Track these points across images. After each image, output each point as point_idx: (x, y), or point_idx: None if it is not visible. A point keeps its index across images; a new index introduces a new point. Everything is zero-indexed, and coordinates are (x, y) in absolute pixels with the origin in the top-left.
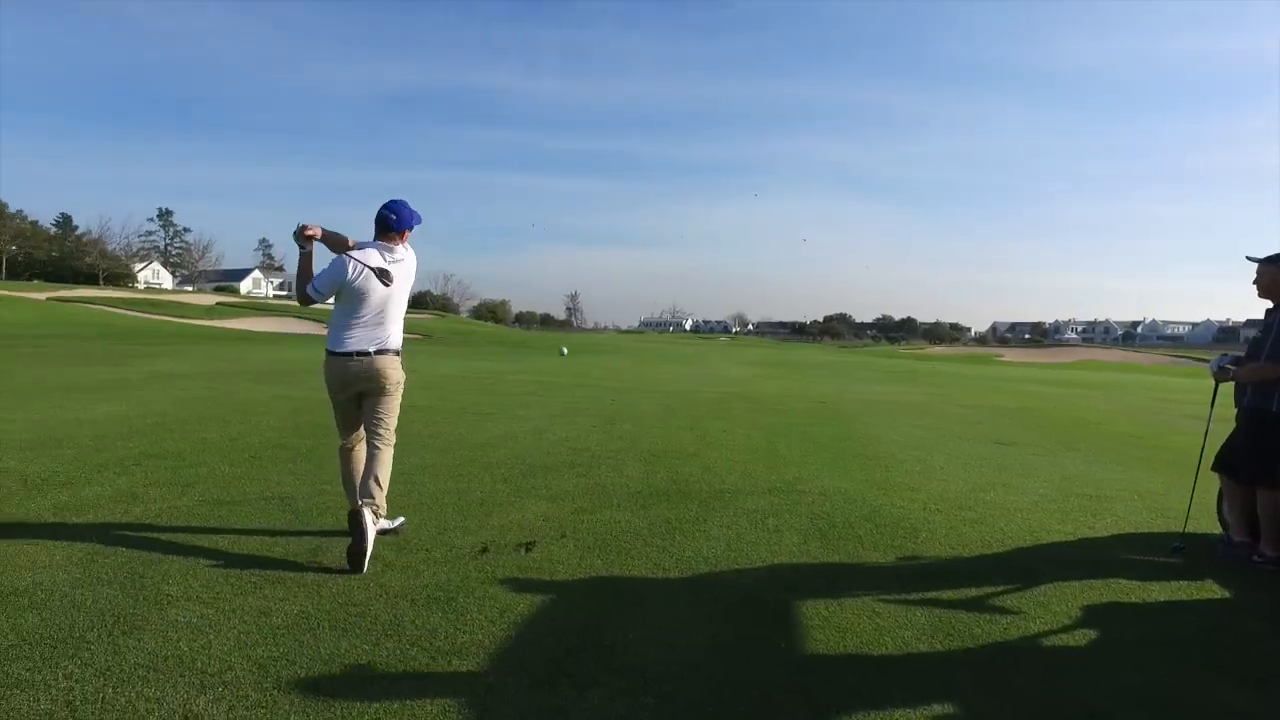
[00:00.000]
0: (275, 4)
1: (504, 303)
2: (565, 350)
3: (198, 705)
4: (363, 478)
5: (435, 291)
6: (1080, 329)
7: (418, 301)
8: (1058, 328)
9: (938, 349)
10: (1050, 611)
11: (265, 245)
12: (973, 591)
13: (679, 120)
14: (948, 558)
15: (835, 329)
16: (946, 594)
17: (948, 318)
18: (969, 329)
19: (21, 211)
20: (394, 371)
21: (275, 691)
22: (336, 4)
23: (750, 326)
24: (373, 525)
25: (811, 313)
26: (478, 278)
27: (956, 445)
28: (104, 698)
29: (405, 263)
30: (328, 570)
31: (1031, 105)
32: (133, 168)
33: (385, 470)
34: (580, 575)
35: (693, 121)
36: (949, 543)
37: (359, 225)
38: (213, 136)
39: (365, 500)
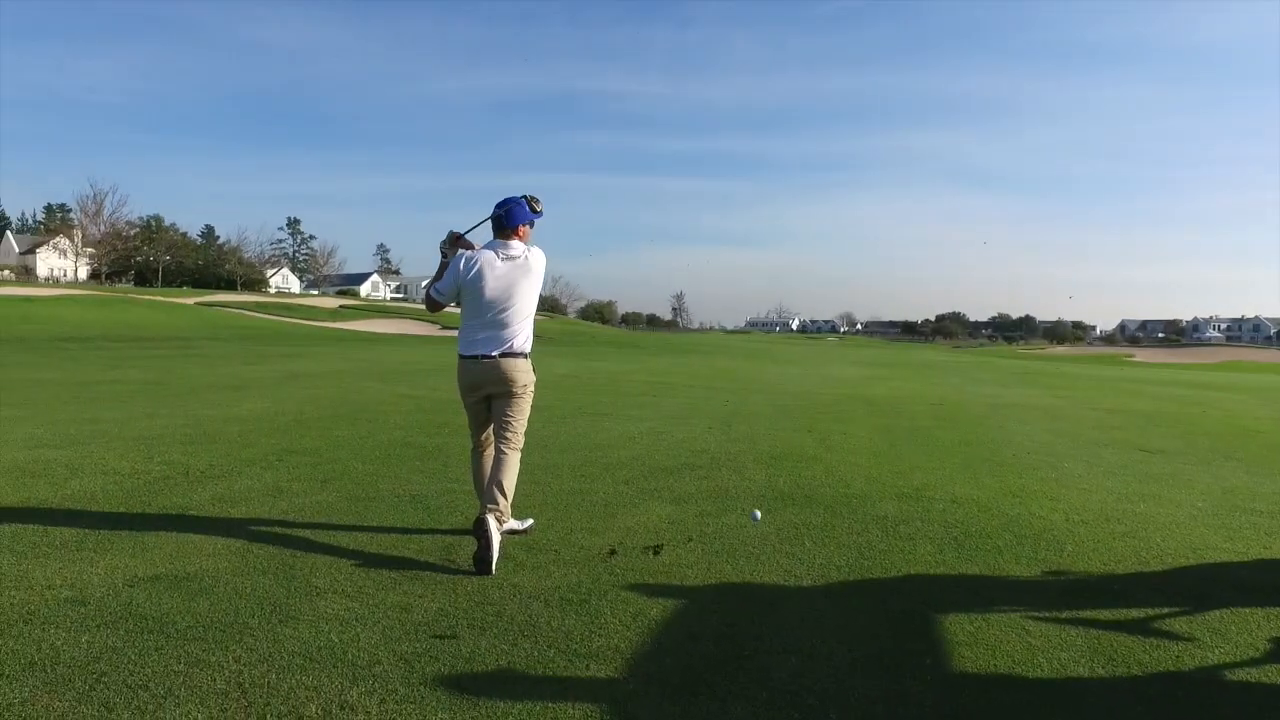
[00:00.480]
0: (390, 21)
1: (610, 303)
2: (758, 514)
3: (351, 696)
4: (488, 482)
5: (544, 293)
6: (1224, 326)
7: None
8: (1197, 325)
9: (1060, 349)
10: (1230, 641)
11: (383, 250)
12: (1133, 613)
13: (784, 118)
14: (1100, 574)
15: (948, 328)
16: (1103, 614)
17: (1070, 315)
18: (1094, 327)
19: (174, 224)
20: (520, 374)
21: (422, 687)
22: (448, 19)
23: (859, 326)
24: (497, 531)
25: (922, 311)
26: (584, 278)
27: (1094, 451)
28: (269, 683)
29: (523, 261)
30: (461, 570)
31: (1160, 84)
32: (265, 180)
33: (510, 475)
34: (710, 581)
35: (798, 119)
36: (1099, 558)
37: (474, 231)
38: (335, 148)
39: (489, 506)
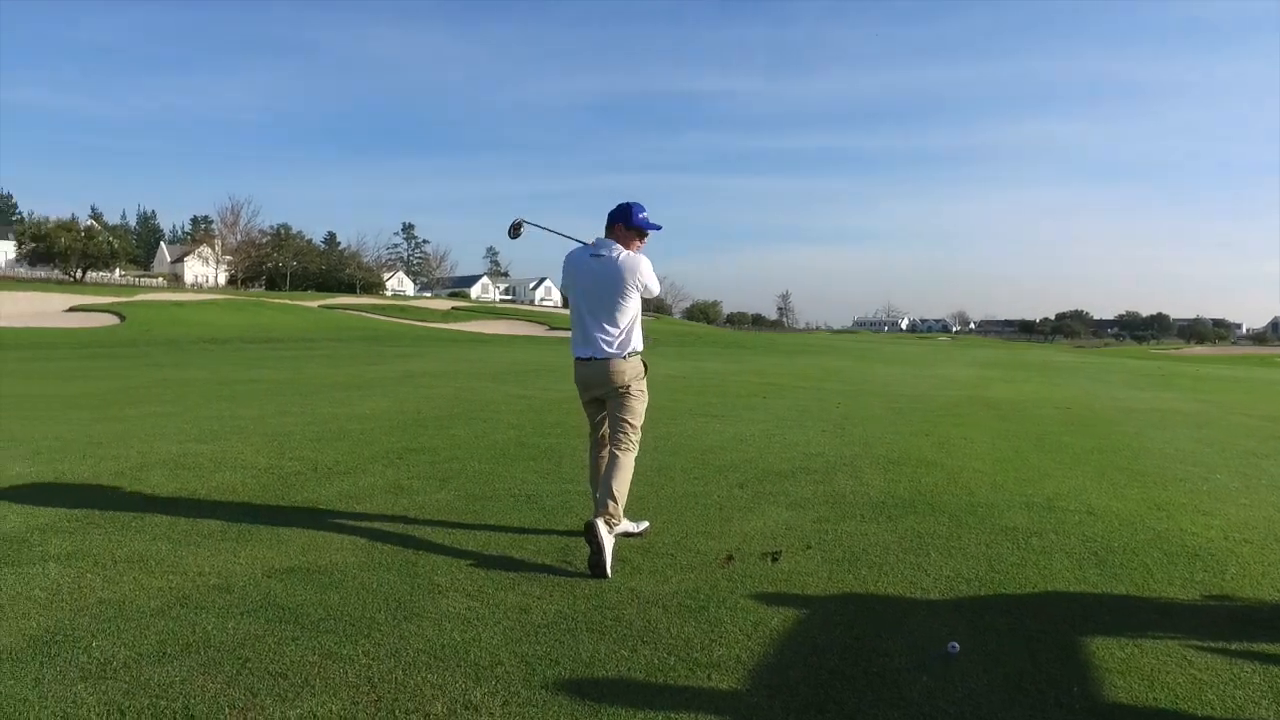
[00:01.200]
0: (492, 29)
1: (716, 304)
2: (955, 648)
3: (475, 696)
4: (600, 485)
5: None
6: None
7: None
8: None
9: (1200, 349)
10: None
11: (492, 253)
12: None
13: (890, 113)
14: (1274, 602)
15: (1070, 327)
16: None
17: (1210, 312)
18: (1238, 325)
19: (300, 231)
20: (620, 376)
21: (543, 690)
22: (548, 23)
23: (972, 325)
24: (608, 535)
25: (1041, 310)
26: (690, 279)
27: (1252, 463)
28: (396, 679)
29: (611, 259)
30: (578, 572)
31: None
32: (382, 187)
33: (621, 478)
34: (832, 591)
35: (905, 113)
36: (1271, 582)
37: (580, 233)
38: (445, 155)
39: (600, 511)
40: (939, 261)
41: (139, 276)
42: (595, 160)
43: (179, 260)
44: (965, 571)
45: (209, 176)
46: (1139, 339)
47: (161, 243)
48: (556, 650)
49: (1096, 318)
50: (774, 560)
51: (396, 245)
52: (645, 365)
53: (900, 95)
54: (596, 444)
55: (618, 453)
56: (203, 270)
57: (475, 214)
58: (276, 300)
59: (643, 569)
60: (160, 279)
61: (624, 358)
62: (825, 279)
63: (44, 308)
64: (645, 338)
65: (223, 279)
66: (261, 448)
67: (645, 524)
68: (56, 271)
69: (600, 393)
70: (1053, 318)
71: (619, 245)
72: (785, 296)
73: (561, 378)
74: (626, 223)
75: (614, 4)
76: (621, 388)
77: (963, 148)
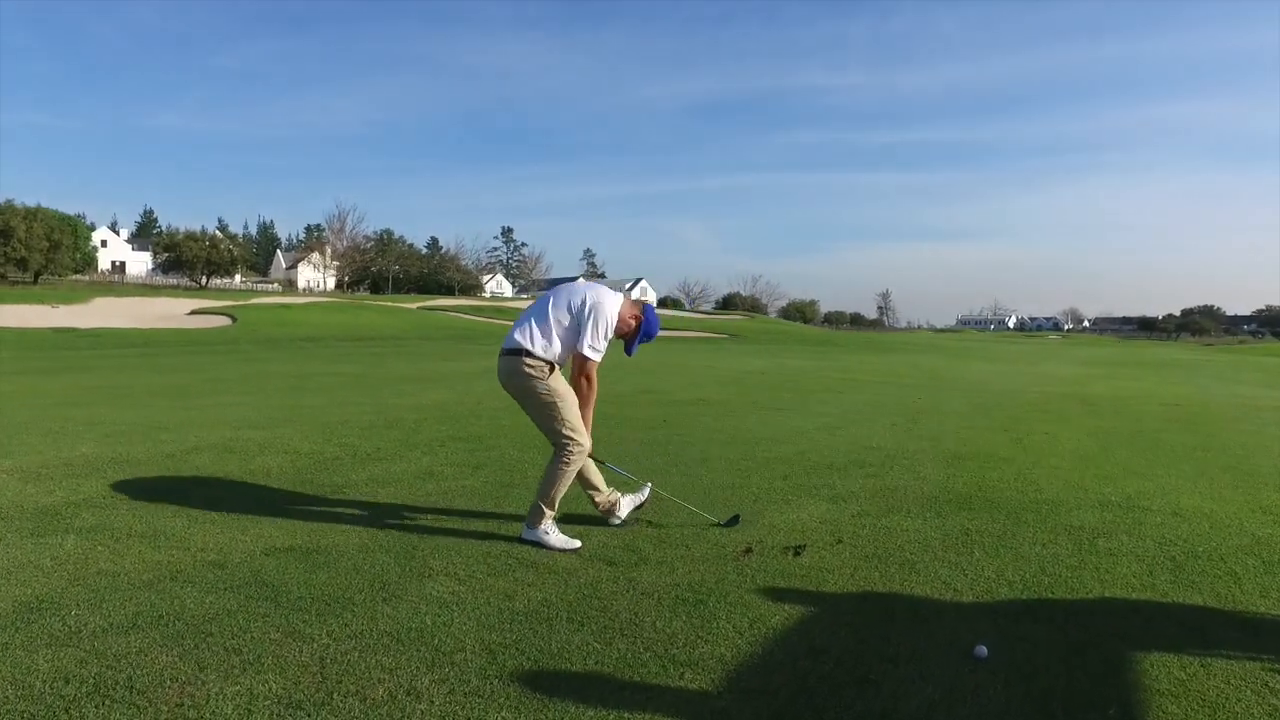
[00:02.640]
0: (590, 34)
1: (813, 303)
2: (984, 650)
3: (422, 682)
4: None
5: (744, 293)
6: None
7: (728, 303)
8: None
9: None
10: None
11: (589, 255)
12: None
13: (1001, 102)
14: None
15: (1198, 324)
16: None
17: None
18: None
19: (402, 237)
20: (514, 376)
21: (496, 680)
22: (645, 27)
23: (1086, 323)
24: (541, 535)
25: (1165, 306)
26: (787, 278)
27: None
28: (349, 660)
29: (589, 287)
30: (582, 558)
31: None
32: (482, 193)
33: (549, 481)
34: (851, 588)
35: (1017, 101)
36: None
37: (676, 234)
38: (544, 160)
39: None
40: (1050, 257)
41: (257, 282)
42: (693, 162)
43: (293, 266)
44: (1010, 573)
45: (322, 188)
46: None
47: (278, 250)
48: (527, 639)
49: (1230, 314)
50: (796, 554)
51: (496, 249)
52: (550, 367)
53: (1008, 83)
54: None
55: (553, 455)
56: (313, 275)
57: (573, 217)
58: (378, 303)
59: (651, 560)
60: (275, 284)
61: (528, 355)
62: (928, 277)
63: (172, 311)
64: (731, 335)
65: (330, 283)
66: (311, 434)
67: (576, 543)
68: (185, 279)
69: (506, 388)
70: (1178, 314)
71: (615, 303)
72: (885, 295)
73: (636, 372)
74: (640, 312)
75: (714, 7)
76: (514, 387)
77: (1076, 135)
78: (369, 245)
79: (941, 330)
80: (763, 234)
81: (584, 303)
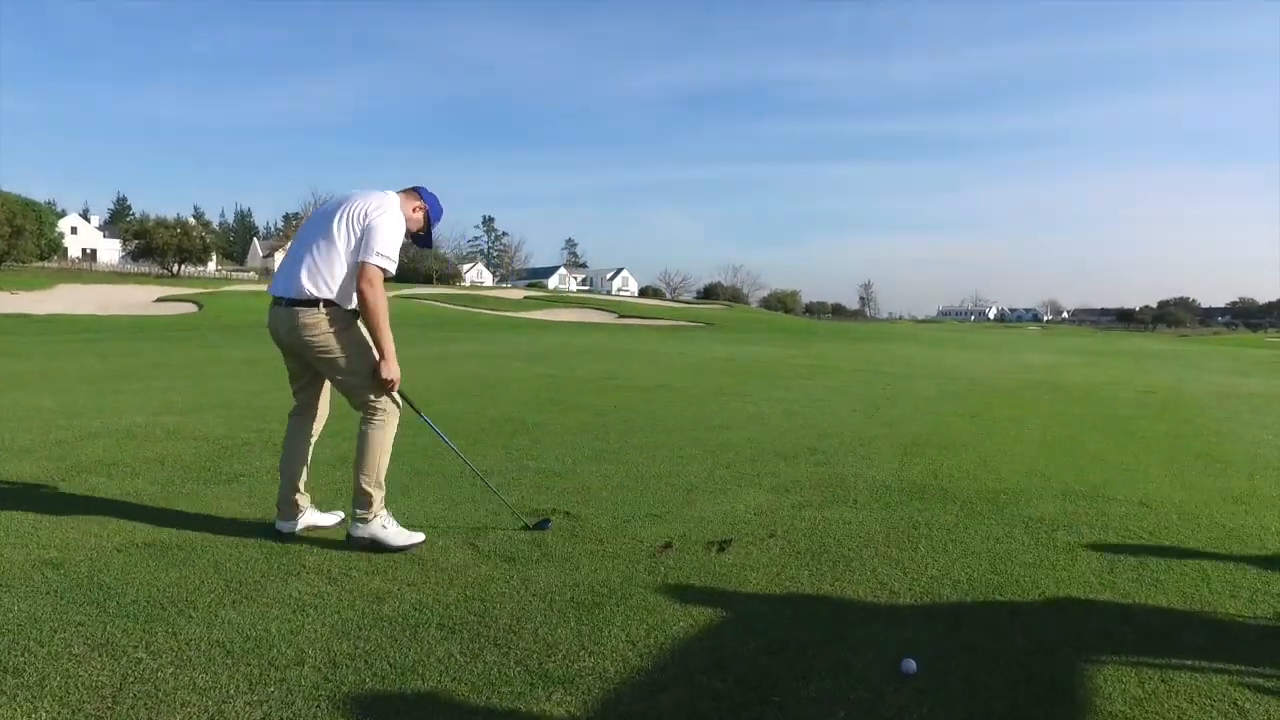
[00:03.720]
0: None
1: (794, 293)
2: (912, 665)
3: (234, 705)
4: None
5: (725, 283)
6: None
7: (709, 293)
8: None
9: None
10: None
11: (570, 244)
12: None
13: (984, 94)
14: None
15: (1174, 315)
16: None
17: None
18: None
19: None
20: (307, 330)
21: (325, 700)
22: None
23: (1065, 314)
24: (366, 532)
25: (1142, 298)
26: (768, 269)
27: None
28: (157, 680)
29: (354, 197)
30: (479, 553)
31: None
32: (464, 182)
33: (365, 453)
34: (774, 590)
35: (999, 93)
36: None
37: (658, 224)
38: (527, 149)
39: (355, 504)
40: (1030, 249)
41: (232, 270)
42: (675, 153)
43: (270, 255)
44: (957, 571)
45: (301, 176)
46: (1253, 327)
47: (255, 238)
48: (382, 650)
49: (1205, 305)
50: (720, 550)
51: (477, 238)
52: (343, 313)
53: (989, 76)
54: (297, 418)
55: (361, 424)
56: None
57: (554, 207)
58: None
59: (555, 555)
60: (252, 272)
61: (318, 305)
62: (910, 268)
63: (138, 298)
64: (706, 324)
65: None
66: (232, 419)
67: (419, 536)
68: (157, 266)
69: (290, 347)
70: (1154, 306)
71: (397, 198)
72: (867, 286)
73: (603, 359)
74: (421, 200)
75: None
76: (313, 345)
77: (1056, 128)
78: None
79: (922, 321)
80: (745, 224)
81: (365, 214)
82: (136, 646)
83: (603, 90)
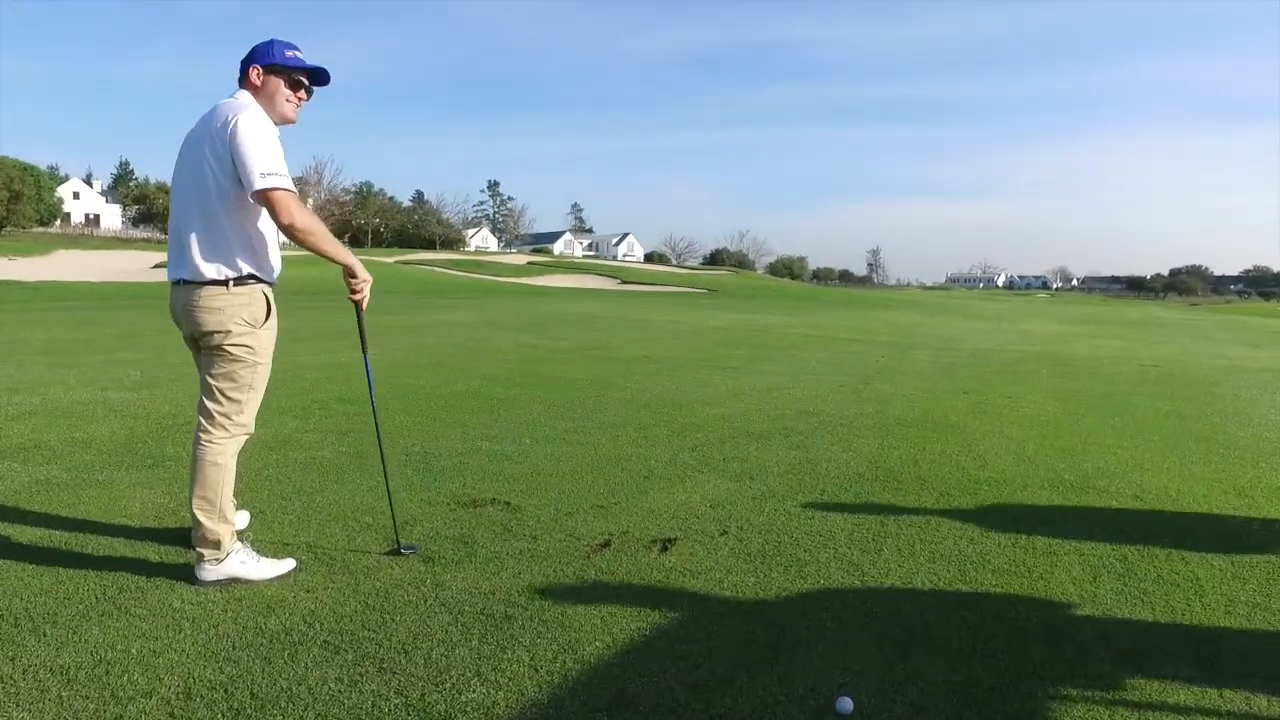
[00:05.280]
0: None
1: (801, 259)
2: (848, 703)
3: None
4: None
5: (731, 249)
6: None
7: (715, 259)
8: None
9: None
10: None
11: (576, 209)
12: None
13: (994, 56)
14: None
15: (1185, 283)
16: None
17: None
18: None
19: (383, 190)
20: (210, 314)
21: None
22: None
23: (1075, 282)
24: (214, 571)
25: (1153, 266)
26: (776, 234)
27: None
28: None
29: (217, 128)
30: (392, 553)
31: None
32: (469, 146)
33: (205, 483)
34: (711, 603)
35: (1013, 57)
36: None
37: (664, 189)
38: (530, 113)
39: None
40: (1040, 215)
41: None
42: (682, 117)
43: None
44: (921, 578)
45: (304, 140)
46: (1266, 295)
47: None
48: (248, 675)
49: (1218, 274)
50: (663, 550)
51: (483, 203)
52: (269, 304)
53: (1002, 39)
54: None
55: (201, 438)
56: None
57: (560, 171)
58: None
59: (480, 554)
60: None
61: (217, 284)
62: (919, 234)
63: (135, 264)
64: (710, 290)
65: None
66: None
67: (286, 565)
68: (159, 232)
69: (189, 334)
70: (1165, 274)
71: (239, 103)
72: (875, 252)
73: (594, 327)
74: (266, 64)
75: None
76: (213, 332)
77: (1070, 92)
78: (348, 198)
79: (930, 287)
80: (752, 190)
81: (227, 139)
82: None
83: (609, 53)
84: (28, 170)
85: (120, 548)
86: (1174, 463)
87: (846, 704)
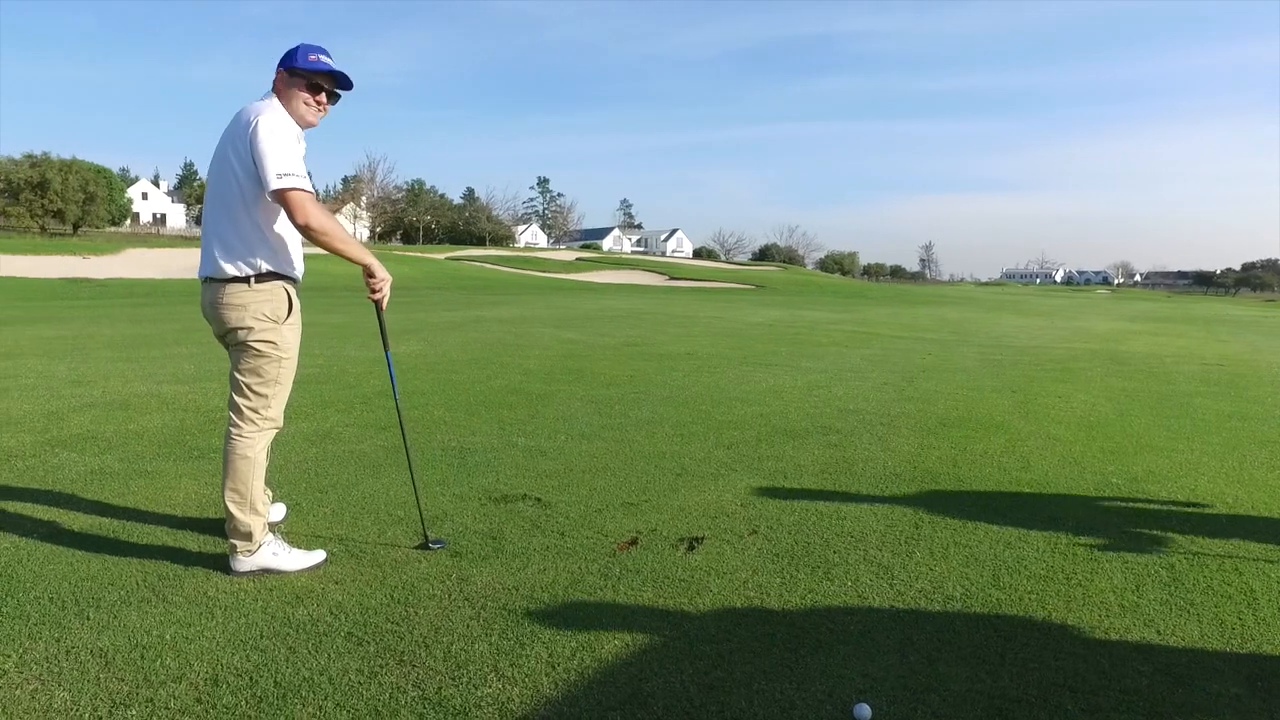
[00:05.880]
0: None
1: (852, 255)
2: (866, 710)
3: None
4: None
5: (780, 244)
6: None
7: (764, 254)
8: None
9: None
10: None
11: (625, 205)
12: None
13: (1052, 44)
14: None
15: (1260, 279)
16: None
17: None
18: None
19: (434, 187)
20: (230, 311)
21: None
22: None
23: (1137, 277)
24: (247, 563)
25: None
26: (827, 230)
27: None
28: (15, 696)
29: (243, 129)
30: (424, 547)
31: None
32: (518, 144)
33: (237, 478)
34: (737, 600)
35: (1069, 44)
36: None
37: (713, 184)
38: (580, 109)
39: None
40: (1101, 208)
41: None
42: (733, 112)
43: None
44: (952, 584)
45: (358, 139)
46: None
47: None
48: (273, 664)
49: None
50: (690, 549)
51: (532, 199)
52: (291, 300)
53: (1060, 26)
54: None
55: (231, 432)
56: (348, 226)
57: (610, 167)
58: (406, 253)
59: (507, 549)
60: None
61: (239, 281)
62: (973, 229)
63: (197, 262)
64: (758, 286)
65: (365, 234)
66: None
67: (319, 555)
68: None
69: (219, 334)
70: (1238, 268)
71: (263, 104)
72: (928, 247)
73: (637, 323)
74: (288, 68)
75: None
76: (236, 329)
77: (1131, 80)
78: (400, 196)
79: (985, 283)
80: (802, 185)
81: (248, 139)
82: (9, 655)
83: (658, 48)
84: (101, 173)
85: (163, 536)
86: (1233, 467)
87: (864, 711)
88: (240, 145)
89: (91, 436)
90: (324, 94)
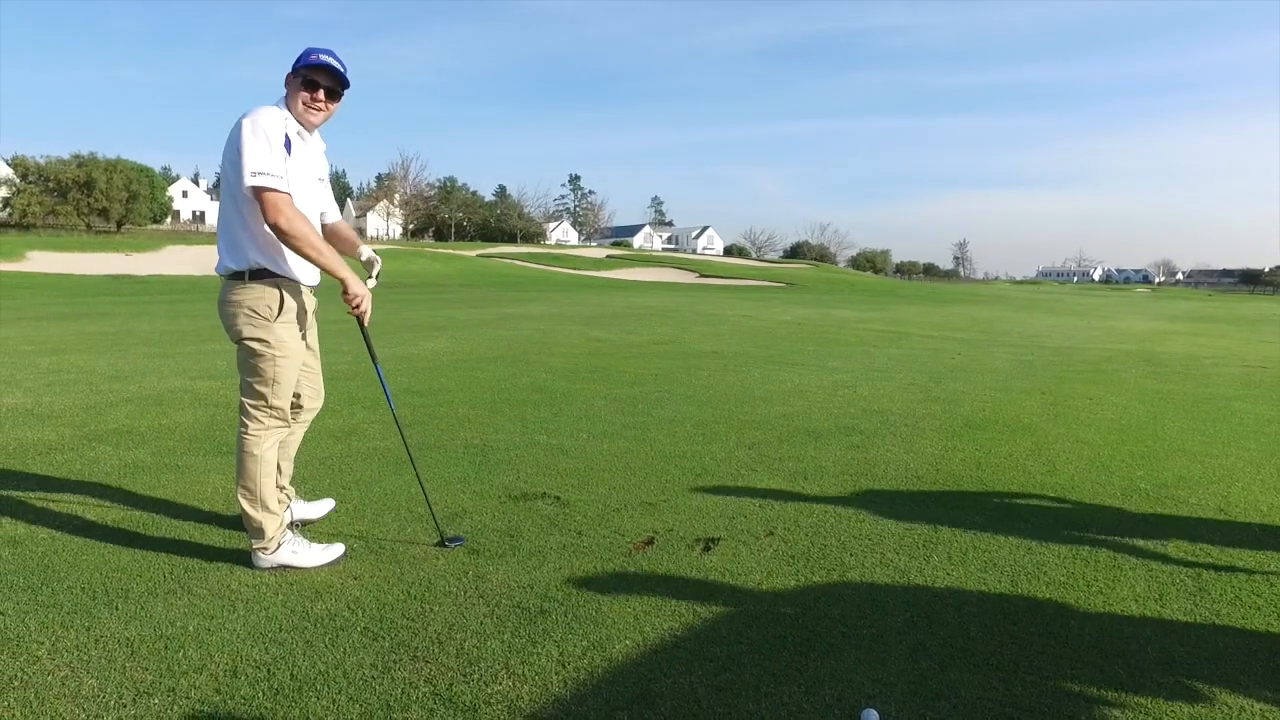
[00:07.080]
0: None
1: (884, 252)
2: (874, 716)
3: None
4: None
5: (812, 241)
6: None
7: (795, 252)
8: None
9: None
10: None
11: (656, 202)
12: None
13: (1099, 35)
14: None
15: None
16: None
17: None
18: None
19: (465, 185)
20: (228, 308)
21: (203, 718)
22: None
23: (1179, 275)
24: (268, 558)
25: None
26: (859, 227)
27: None
28: (47, 681)
29: (231, 130)
30: (440, 544)
31: None
32: (551, 141)
33: (247, 473)
34: (749, 601)
35: (1117, 34)
36: None
37: (745, 181)
38: (612, 106)
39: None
40: (1141, 205)
41: None
42: (765, 108)
43: (362, 215)
44: (969, 588)
45: (393, 137)
46: None
47: (349, 199)
48: (290, 657)
49: None
50: (706, 549)
51: (563, 196)
52: (283, 298)
53: (1096, 18)
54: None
55: (239, 434)
56: (381, 224)
57: (641, 164)
58: (437, 250)
59: (524, 547)
60: None
61: (236, 277)
62: (1009, 226)
63: None
64: (789, 284)
65: (396, 231)
66: None
67: (338, 549)
68: None
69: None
70: None
71: (264, 105)
72: (962, 245)
73: (665, 321)
74: (292, 70)
75: None
76: (230, 326)
77: (1171, 74)
78: (432, 193)
79: (1020, 282)
80: (834, 182)
81: (233, 141)
82: (42, 643)
83: (691, 44)
84: (143, 172)
85: (190, 530)
86: (1270, 474)
87: (872, 716)
88: (230, 145)
89: (127, 431)
90: (322, 91)
